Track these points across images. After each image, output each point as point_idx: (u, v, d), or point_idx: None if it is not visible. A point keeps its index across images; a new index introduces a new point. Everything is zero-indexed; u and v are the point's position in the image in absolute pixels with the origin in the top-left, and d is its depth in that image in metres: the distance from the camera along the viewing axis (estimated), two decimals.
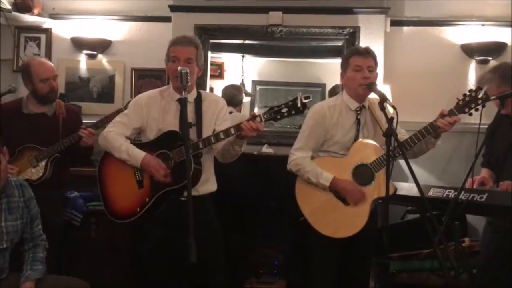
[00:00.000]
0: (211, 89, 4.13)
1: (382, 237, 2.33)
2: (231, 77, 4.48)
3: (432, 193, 2.83)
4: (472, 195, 2.56)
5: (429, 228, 2.42)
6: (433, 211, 2.23)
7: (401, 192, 2.84)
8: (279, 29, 3.84)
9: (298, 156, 2.67)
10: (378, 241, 2.59)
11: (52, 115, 3.09)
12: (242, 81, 4.44)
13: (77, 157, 3.13)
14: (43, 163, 2.96)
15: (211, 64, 4.09)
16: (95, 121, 2.99)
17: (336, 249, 2.63)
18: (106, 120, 2.91)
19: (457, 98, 2.48)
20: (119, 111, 2.84)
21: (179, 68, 2.36)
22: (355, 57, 2.65)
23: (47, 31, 4.21)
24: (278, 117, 2.38)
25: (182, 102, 2.52)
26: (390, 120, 2.27)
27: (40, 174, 2.96)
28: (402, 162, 3.23)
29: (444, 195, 2.76)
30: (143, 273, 2.70)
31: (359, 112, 2.68)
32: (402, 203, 3.07)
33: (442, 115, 2.48)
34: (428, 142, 2.59)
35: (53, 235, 2.78)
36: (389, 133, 2.27)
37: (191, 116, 2.56)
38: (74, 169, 3.32)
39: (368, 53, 2.66)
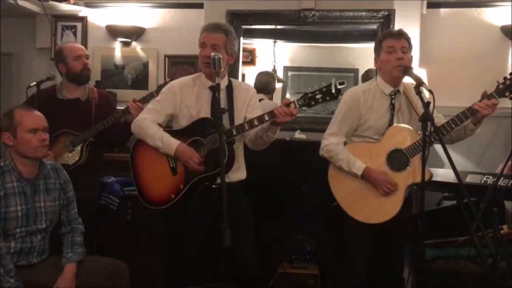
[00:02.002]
0: (243, 76, 4.13)
1: (417, 224, 2.30)
2: (262, 63, 4.45)
3: (469, 179, 2.78)
4: (511, 181, 2.50)
5: (467, 215, 2.37)
6: (471, 198, 2.18)
7: (437, 178, 2.79)
8: (312, 13, 3.79)
9: (331, 142, 2.65)
10: (413, 227, 2.55)
11: (86, 100, 3.16)
12: (274, 67, 4.41)
13: (115, 140, 3.19)
14: (79, 147, 3.02)
15: (243, 51, 4.08)
16: None
17: (369, 234, 2.61)
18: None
19: (497, 82, 2.41)
20: (151, 95, 2.90)
21: (212, 53, 2.37)
22: (388, 39, 2.61)
23: (83, 20, 4.29)
24: (312, 103, 2.36)
25: (215, 89, 2.54)
26: (426, 105, 2.23)
27: (76, 159, 3.02)
28: (438, 148, 3.18)
29: (482, 181, 2.71)
30: (176, 258, 2.74)
31: (393, 96, 2.63)
32: (438, 189, 3.02)
33: (483, 97, 2.41)
34: (467, 129, 2.52)
35: (88, 219, 2.85)
36: (425, 118, 2.22)
37: (223, 103, 2.55)
38: (108, 155, 3.39)
39: (401, 34, 2.62)
